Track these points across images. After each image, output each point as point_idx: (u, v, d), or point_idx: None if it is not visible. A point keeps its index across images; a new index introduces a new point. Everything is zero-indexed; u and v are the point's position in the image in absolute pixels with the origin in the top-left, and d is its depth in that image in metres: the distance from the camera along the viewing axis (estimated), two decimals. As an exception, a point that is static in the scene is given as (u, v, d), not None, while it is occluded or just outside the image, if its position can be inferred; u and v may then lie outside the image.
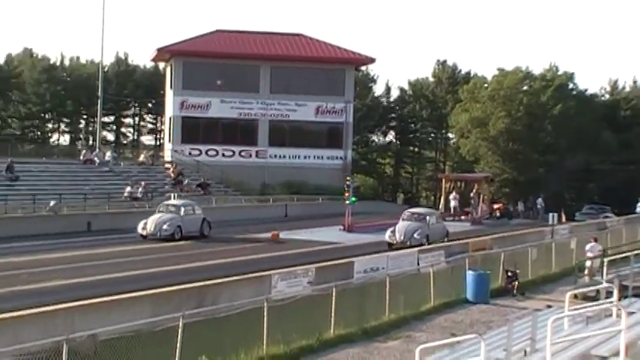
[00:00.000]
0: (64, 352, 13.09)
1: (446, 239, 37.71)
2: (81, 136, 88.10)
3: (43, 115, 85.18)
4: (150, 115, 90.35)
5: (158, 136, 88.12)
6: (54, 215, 39.70)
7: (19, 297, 21.48)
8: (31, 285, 23.58)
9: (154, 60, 74.12)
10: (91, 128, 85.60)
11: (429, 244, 34.27)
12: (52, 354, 13.22)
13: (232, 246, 35.43)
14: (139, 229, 36.37)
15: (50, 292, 22.37)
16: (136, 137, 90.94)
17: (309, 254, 32.33)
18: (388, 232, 36.94)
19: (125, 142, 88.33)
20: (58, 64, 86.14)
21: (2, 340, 14.30)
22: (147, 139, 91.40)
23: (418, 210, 41.07)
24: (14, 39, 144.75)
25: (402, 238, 36.15)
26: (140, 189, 48.97)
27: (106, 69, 72.78)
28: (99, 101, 62.33)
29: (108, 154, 57.11)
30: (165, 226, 36.50)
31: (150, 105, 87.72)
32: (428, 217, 38.25)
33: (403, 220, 37.81)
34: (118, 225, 38.91)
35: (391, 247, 35.28)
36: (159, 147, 79.27)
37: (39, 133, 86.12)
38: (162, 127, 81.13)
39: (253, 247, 34.79)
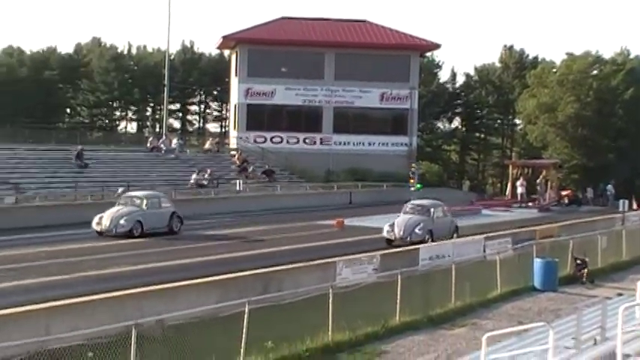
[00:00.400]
0: (133, 336, 13.25)
1: (455, 235, 32.81)
2: (148, 123, 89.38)
3: (111, 103, 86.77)
4: (215, 103, 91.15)
5: (223, 124, 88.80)
6: (122, 202, 40.22)
7: (89, 282, 21.91)
8: (100, 270, 23.99)
9: (219, 48, 74.61)
10: (157, 116, 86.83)
11: (432, 240, 30.96)
12: (122, 338, 13.42)
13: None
14: (94, 225, 32.35)
15: (118, 277, 22.76)
16: (201, 125, 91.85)
17: (372, 242, 31.86)
18: (386, 227, 32.48)
19: (191, 129, 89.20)
20: (125, 52, 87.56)
21: (76, 323, 14.61)
22: (212, 127, 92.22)
23: (422, 202, 35.52)
24: (83, 29, 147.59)
25: (401, 233, 31.76)
26: (206, 176, 49.51)
27: (172, 57, 73.41)
28: (165, 89, 63.00)
29: (174, 142, 57.65)
30: (122, 221, 32.09)
31: (215, 92, 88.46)
32: (432, 210, 33.34)
33: (405, 212, 33.31)
34: (184, 212, 39.08)
35: (390, 243, 31.44)
36: (224, 134, 79.86)
37: (107, 121, 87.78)
38: (228, 114, 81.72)
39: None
